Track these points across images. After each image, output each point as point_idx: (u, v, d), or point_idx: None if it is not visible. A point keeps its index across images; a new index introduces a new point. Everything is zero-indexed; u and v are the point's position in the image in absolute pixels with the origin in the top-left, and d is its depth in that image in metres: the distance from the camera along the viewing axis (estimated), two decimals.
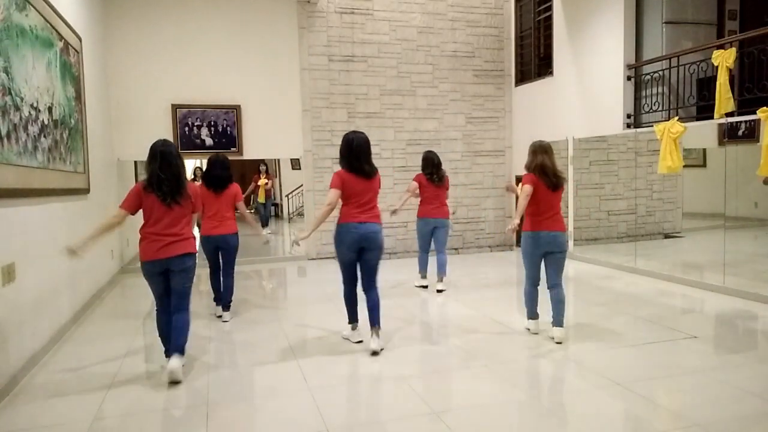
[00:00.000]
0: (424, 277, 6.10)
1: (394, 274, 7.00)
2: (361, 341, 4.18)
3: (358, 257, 4.02)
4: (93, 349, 4.27)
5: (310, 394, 3.26)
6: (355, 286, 4.16)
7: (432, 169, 5.82)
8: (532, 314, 4.30)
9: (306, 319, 5.01)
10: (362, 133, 4.09)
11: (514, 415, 3.03)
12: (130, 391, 3.41)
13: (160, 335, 3.74)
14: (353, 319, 4.27)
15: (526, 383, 3.53)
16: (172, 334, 3.56)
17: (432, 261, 5.99)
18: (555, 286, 4.13)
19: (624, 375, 3.43)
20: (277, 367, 3.79)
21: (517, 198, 4.30)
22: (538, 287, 4.24)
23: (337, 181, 3.95)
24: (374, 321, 4.07)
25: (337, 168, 4.05)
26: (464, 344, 4.21)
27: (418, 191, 5.85)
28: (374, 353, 3.95)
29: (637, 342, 4.06)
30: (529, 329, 4.34)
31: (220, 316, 5.00)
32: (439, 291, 5.85)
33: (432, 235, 5.87)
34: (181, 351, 3.55)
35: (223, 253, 4.99)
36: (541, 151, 4.11)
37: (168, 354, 3.61)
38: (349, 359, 4.02)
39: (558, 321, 4.11)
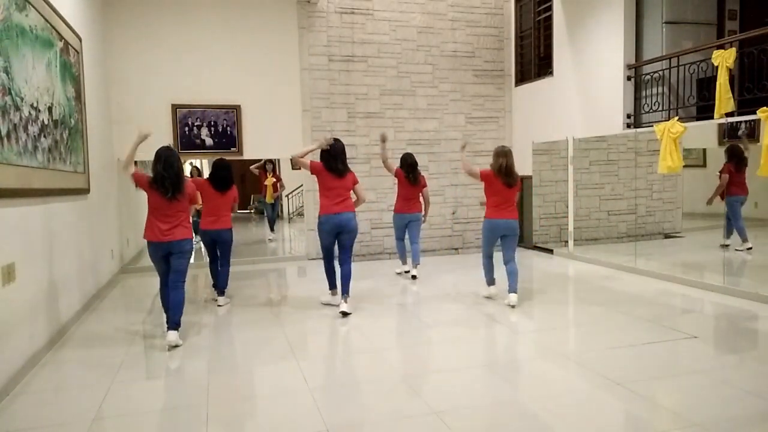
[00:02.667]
0: (404, 263, 6.83)
1: (394, 274, 7.00)
2: (338, 306, 4.97)
3: (336, 239, 5.04)
4: (93, 349, 4.27)
5: (310, 394, 3.26)
6: (333, 261, 5.23)
7: (407, 168, 6.41)
8: (491, 281, 5.42)
9: (306, 319, 5.01)
10: (339, 140, 5.05)
11: (514, 415, 3.03)
12: (130, 391, 3.42)
13: (163, 306, 4.44)
14: (333, 286, 5.30)
15: (526, 383, 3.53)
16: (170, 310, 4.22)
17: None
18: (509, 261, 5.27)
19: (624, 375, 3.43)
20: (277, 367, 3.79)
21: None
22: (493, 260, 5.44)
23: (317, 167, 4.94)
24: (345, 290, 5.00)
25: None
26: (465, 345, 4.21)
27: (397, 180, 6.55)
28: (345, 314, 4.87)
29: (637, 342, 4.06)
30: (489, 297, 5.36)
31: (215, 300, 5.53)
32: (413, 277, 6.48)
33: (406, 228, 6.60)
34: (177, 325, 4.22)
35: (218, 246, 5.54)
36: (502, 155, 5.09)
37: (168, 325, 4.23)
38: (349, 359, 4.02)
39: (513, 288, 5.14)
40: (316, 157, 5.05)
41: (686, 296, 5.54)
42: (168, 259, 4.28)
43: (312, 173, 5.04)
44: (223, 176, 5.42)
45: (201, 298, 5.85)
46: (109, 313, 5.42)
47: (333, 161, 4.94)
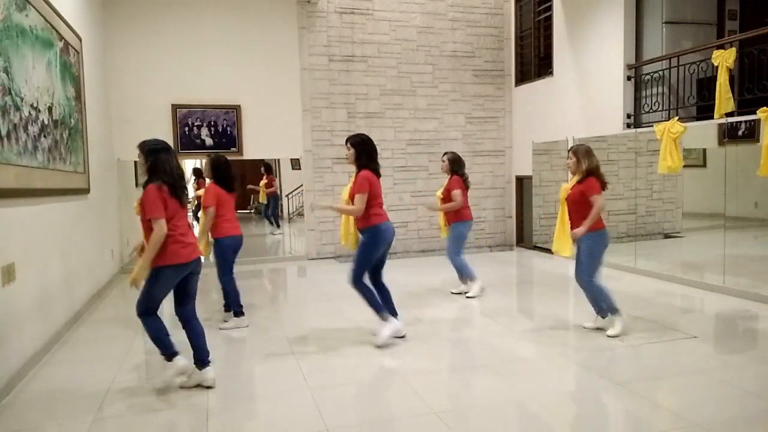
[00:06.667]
0: (473, 279, 5.76)
1: (394, 275, 7.00)
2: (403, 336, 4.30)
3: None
4: (93, 349, 4.27)
5: (310, 394, 3.26)
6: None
7: (464, 170, 5.77)
8: (616, 309, 4.27)
9: (306, 319, 5.01)
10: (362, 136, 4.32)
11: (513, 415, 3.03)
12: (130, 392, 3.41)
13: (165, 341, 3.46)
14: (384, 309, 4.22)
15: (526, 383, 3.52)
16: (202, 343, 3.47)
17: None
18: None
19: (624, 375, 3.43)
20: (277, 367, 3.79)
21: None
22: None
23: (367, 184, 4.07)
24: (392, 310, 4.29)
25: (338, 168, 4.23)
26: (464, 344, 4.20)
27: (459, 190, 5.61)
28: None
29: (637, 342, 4.06)
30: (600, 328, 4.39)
31: (247, 326, 4.80)
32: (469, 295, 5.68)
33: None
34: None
35: (235, 255, 4.85)
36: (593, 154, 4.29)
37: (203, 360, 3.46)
38: (349, 359, 4.02)
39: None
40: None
41: (686, 296, 5.54)
42: (186, 281, 3.47)
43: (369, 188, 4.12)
44: (232, 175, 4.77)
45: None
46: (109, 313, 5.42)
47: (375, 163, 4.23)
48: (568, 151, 4.43)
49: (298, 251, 8.67)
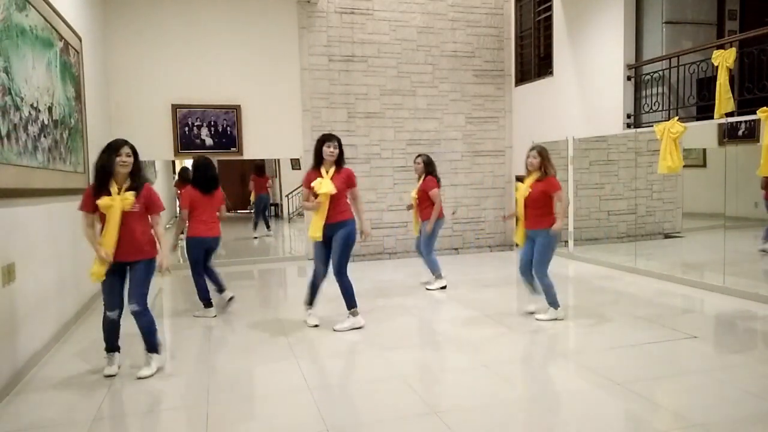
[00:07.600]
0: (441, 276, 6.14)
1: (394, 274, 7.00)
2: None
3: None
4: (93, 349, 4.26)
5: (310, 394, 3.26)
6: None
7: (436, 172, 6.13)
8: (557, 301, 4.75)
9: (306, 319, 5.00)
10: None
11: (513, 415, 3.03)
12: (130, 391, 3.42)
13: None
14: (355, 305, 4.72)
15: (526, 383, 3.53)
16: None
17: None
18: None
19: (624, 375, 3.43)
20: (277, 367, 3.79)
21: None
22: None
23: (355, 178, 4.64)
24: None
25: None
26: (464, 344, 4.20)
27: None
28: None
29: (637, 342, 4.06)
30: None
31: (215, 316, 5.09)
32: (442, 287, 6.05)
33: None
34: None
35: (206, 255, 5.15)
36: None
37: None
38: (349, 359, 4.02)
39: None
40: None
41: (686, 296, 5.54)
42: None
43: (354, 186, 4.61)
44: (211, 176, 5.03)
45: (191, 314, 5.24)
46: None
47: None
48: (532, 149, 4.67)
49: (298, 251, 8.67)
